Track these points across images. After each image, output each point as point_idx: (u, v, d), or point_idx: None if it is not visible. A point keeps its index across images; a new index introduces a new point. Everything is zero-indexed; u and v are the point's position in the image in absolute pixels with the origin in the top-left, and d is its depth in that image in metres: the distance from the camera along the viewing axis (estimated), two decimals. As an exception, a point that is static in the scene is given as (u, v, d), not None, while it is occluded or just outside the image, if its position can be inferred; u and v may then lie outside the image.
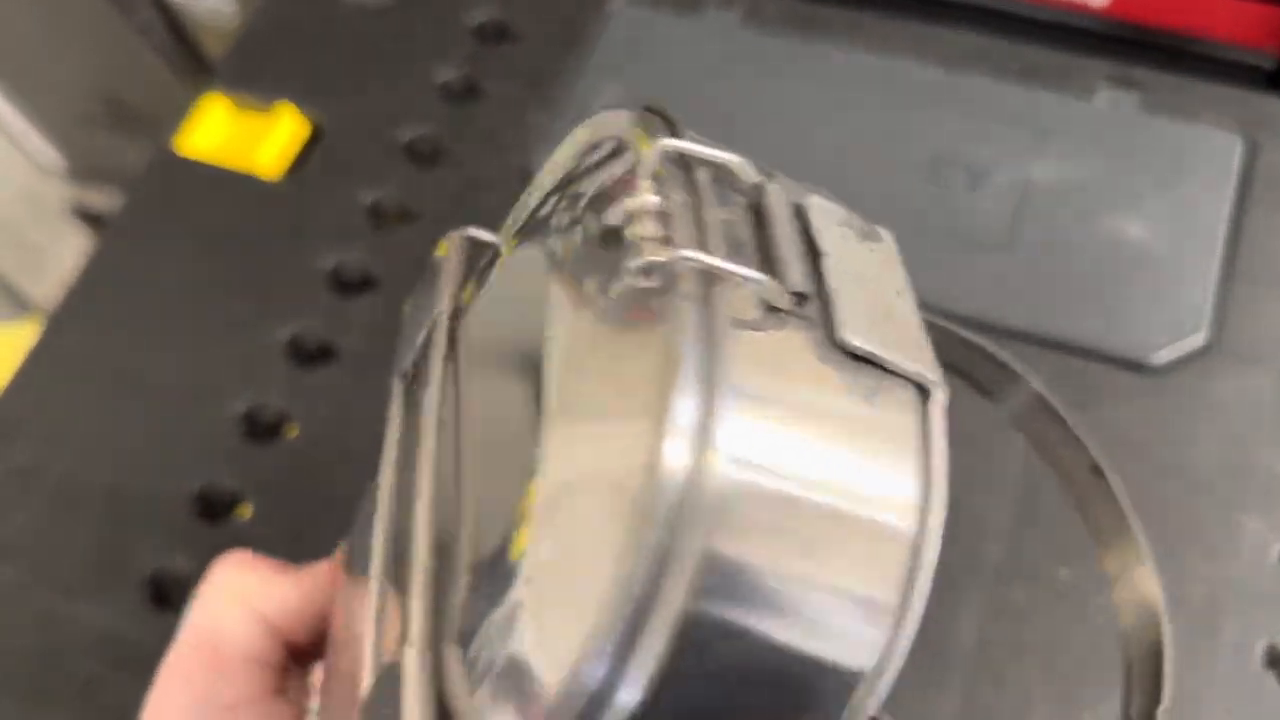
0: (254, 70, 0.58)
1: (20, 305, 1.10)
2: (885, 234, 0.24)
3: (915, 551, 0.19)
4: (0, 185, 1.10)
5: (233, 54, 0.59)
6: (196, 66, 0.93)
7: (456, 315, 0.27)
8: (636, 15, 0.55)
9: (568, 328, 0.22)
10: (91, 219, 1.14)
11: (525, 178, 0.31)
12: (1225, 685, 0.39)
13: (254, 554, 0.29)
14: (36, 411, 0.49)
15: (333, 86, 0.57)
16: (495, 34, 0.58)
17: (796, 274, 0.20)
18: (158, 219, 0.54)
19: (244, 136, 0.56)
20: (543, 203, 0.27)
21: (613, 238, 0.21)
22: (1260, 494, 0.42)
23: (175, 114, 0.57)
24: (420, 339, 0.27)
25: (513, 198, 0.32)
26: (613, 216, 0.21)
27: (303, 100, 0.56)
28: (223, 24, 0.89)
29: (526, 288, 0.25)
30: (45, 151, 1.11)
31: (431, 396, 0.25)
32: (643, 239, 0.19)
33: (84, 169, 1.14)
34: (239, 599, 0.28)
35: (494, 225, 0.54)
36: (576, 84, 0.54)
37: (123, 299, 0.52)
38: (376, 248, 0.52)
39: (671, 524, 0.17)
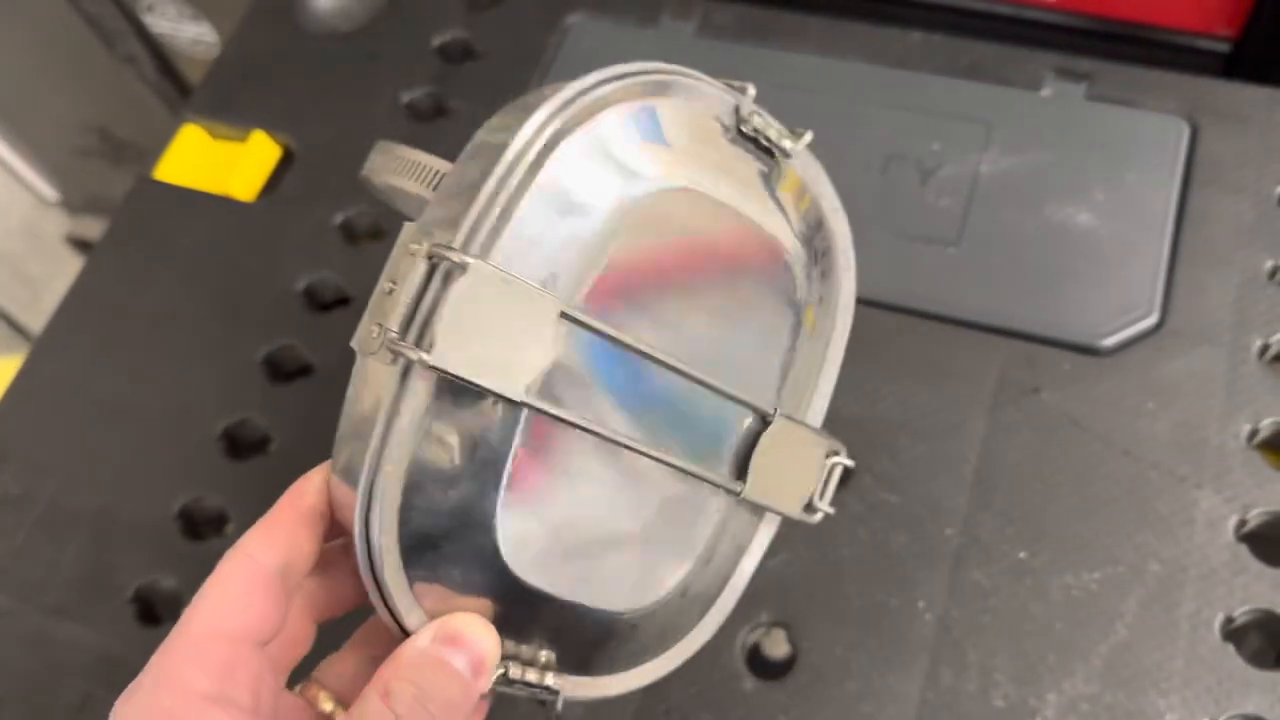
0: (226, 99, 0.59)
1: (20, 336, 1.12)
2: None
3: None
4: (1, 220, 1.12)
5: (205, 84, 0.60)
6: (182, 95, 0.95)
7: None
8: (594, 28, 0.57)
9: None
10: (86, 248, 1.16)
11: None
12: (1185, 659, 0.40)
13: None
14: (23, 438, 0.51)
15: (304, 110, 0.58)
16: (460, 54, 0.59)
17: None
18: (138, 244, 0.55)
19: (218, 162, 0.58)
20: None
21: None
22: (1213, 470, 0.43)
23: (162, 143, 0.58)
24: None
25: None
26: None
27: (275, 125, 0.58)
28: (204, 53, 0.91)
29: None
30: (41, 185, 1.13)
31: None
32: None
33: (78, 200, 1.15)
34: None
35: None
36: (538, 98, 0.55)
37: (105, 324, 0.53)
38: (349, 265, 0.53)
39: None
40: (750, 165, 0.31)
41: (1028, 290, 0.47)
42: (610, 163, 0.28)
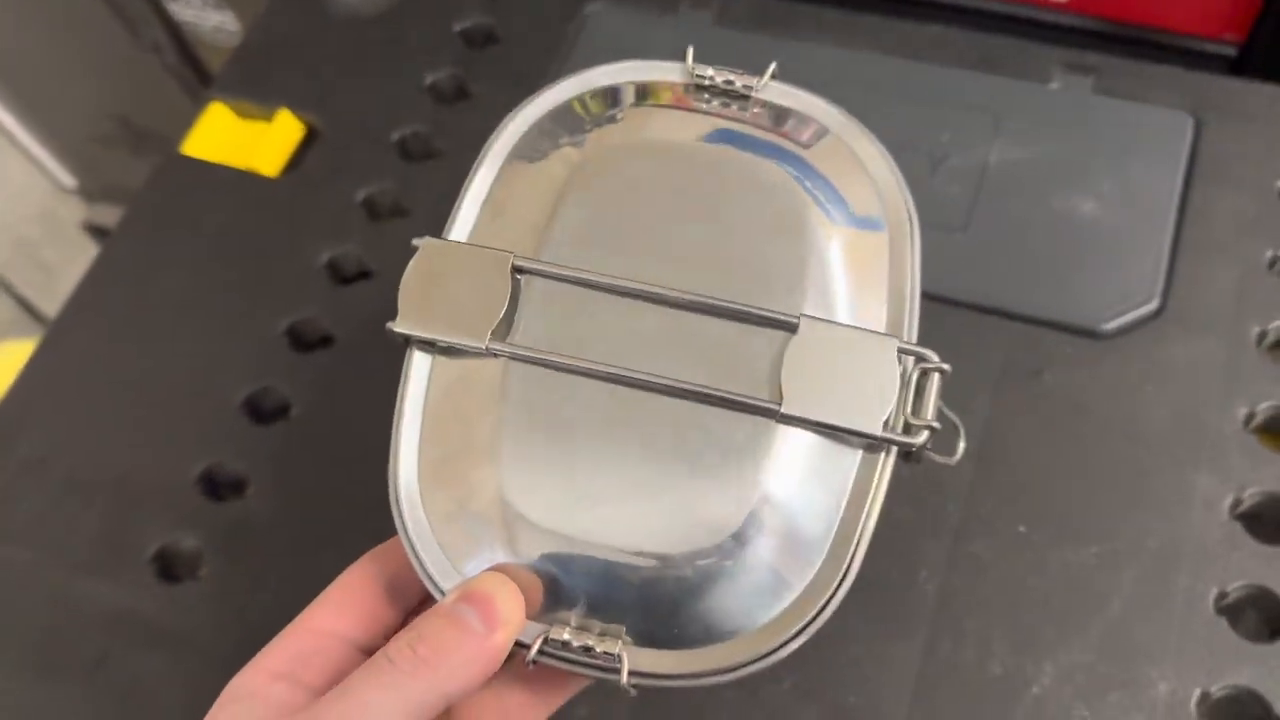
0: (252, 79, 0.61)
1: (35, 321, 1.14)
2: None
3: None
4: (19, 205, 1.13)
5: (231, 65, 0.62)
6: (203, 84, 0.96)
7: None
8: (613, 16, 0.58)
9: None
10: (103, 235, 1.17)
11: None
12: (1179, 632, 0.41)
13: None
14: (48, 403, 0.52)
15: (328, 91, 0.60)
16: (482, 38, 0.61)
17: None
18: (164, 216, 0.57)
19: (244, 138, 0.59)
20: None
21: None
22: (1210, 452, 0.44)
23: (183, 131, 0.60)
24: None
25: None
26: None
27: (300, 104, 0.59)
28: (226, 41, 0.92)
29: None
30: (59, 171, 1.15)
31: None
32: None
33: (95, 187, 1.17)
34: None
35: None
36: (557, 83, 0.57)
37: (130, 293, 0.55)
38: (371, 241, 0.54)
39: None
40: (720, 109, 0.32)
41: (1033, 276, 0.48)
42: (562, 127, 0.32)
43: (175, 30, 0.95)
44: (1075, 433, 0.45)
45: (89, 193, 1.18)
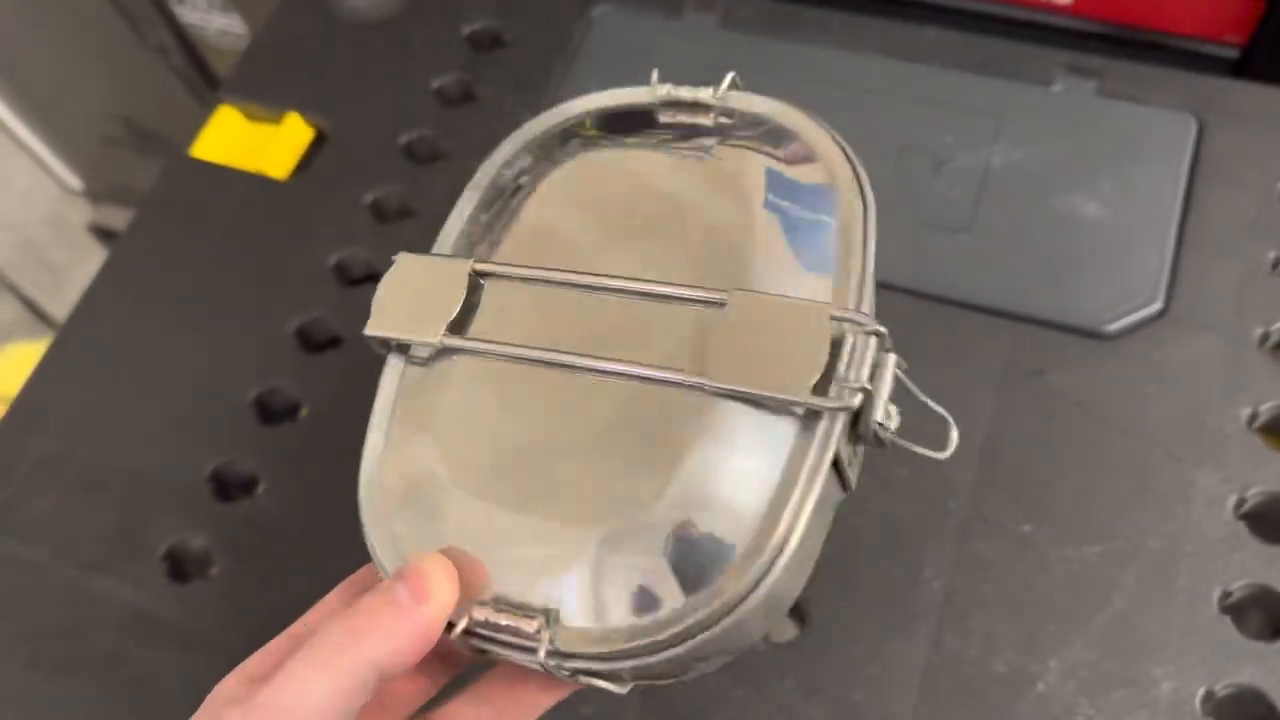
0: (261, 83, 0.61)
1: (42, 323, 1.14)
2: None
3: None
4: (26, 207, 1.14)
5: (240, 68, 0.62)
6: (209, 86, 0.97)
7: None
8: (619, 19, 0.58)
9: None
10: (109, 237, 1.17)
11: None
12: (1182, 630, 0.41)
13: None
14: (61, 401, 0.52)
15: (336, 94, 0.60)
16: (489, 41, 0.61)
17: None
18: (174, 217, 0.57)
19: (253, 141, 0.60)
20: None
21: None
22: (1212, 451, 0.44)
23: (189, 133, 0.60)
24: None
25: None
26: None
27: (308, 108, 0.60)
28: (233, 44, 0.93)
29: None
30: (66, 173, 1.15)
31: None
32: None
33: (101, 189, 1.17)
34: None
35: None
36: (563, 86, 0.57)
37: (141, 293, 0.55)
38: (379, 243, 0.55)
39: None
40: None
41: (1036, 277, 0.48)
42: (529, 154, 0.34)
43: (181, 33, 0.95)
44: (1079, 432, 0.45)
45: (95, 195, 1.19)
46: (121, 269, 0.56)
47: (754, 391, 0.27)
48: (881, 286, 0.49)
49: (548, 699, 0.30)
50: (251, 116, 0.61)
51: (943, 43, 0.56)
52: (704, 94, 0.33)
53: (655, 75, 0.34)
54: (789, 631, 0.43)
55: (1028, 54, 0.55)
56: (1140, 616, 0.42)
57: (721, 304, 0.28)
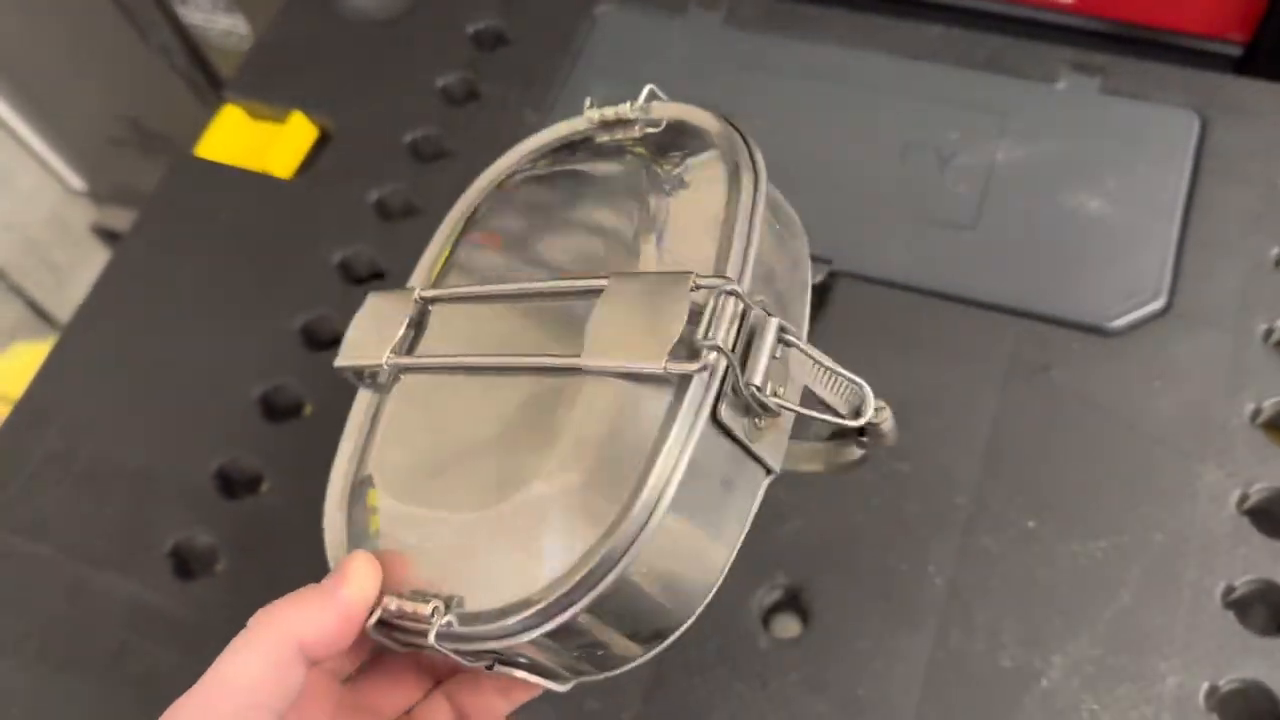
0: (265, 82, 0.62)
1: (45, 323, 1.14)
2: None
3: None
4: (29, 208, 1.14)
5: (245, 67, 0.62)
6: (213, 87, 0.97)
7: None
8: (623, 17, 0.59)
9: None
10: (112, 238, 1.18)
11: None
12: (1187, 624, 0.41)
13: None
14: (67, 398, 0.52)
15: (341, 93, 0.60)
16: (493, 40, 0.61)
17: None
18: (179, 217, 0.57)
19: (257, 141, 0.60)
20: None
21: None
22: (1216, 446, 0.44)
23: (193, 133, 0.61)
24: None
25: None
26: None
27: (312, 107, 0.60)
28: (236, 45, 0.93)
29: None
30: (69, 174, 1.15)
31: None
32: None
33: (105, 190, 1.18)
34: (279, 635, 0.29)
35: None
36: (567, 84, 0.57)
37: (146, 292, 0.55)
38: (383, 241, 0.55)
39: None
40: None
41: (1040, 273, 0.49)
42: (477, 188, 0.39)
43: (184, 34, 0.95)
44: (1083, 428, 0.45)
45: (98, 195, 1.19)
46: (125, 268, 0.56)
47: (617, 366, 0.28)
48: (886, 284, 0.50)
49: (505, 704, 0.32)
50: (256, 116, 0.61)
51: (947, 40, 0.56)
52: (625, 109, 0.35)
53: (588, 102, 0.37)
54: (792, 627, 0.43)
55: (1032, 51, 0.55)
56: (1145, 611, 0.42)
57: (600, 290, 0.30)
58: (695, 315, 0.27)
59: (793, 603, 0.44)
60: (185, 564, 0.48)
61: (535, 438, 0.29)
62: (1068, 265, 0.49)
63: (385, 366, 0.34)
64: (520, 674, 0.29)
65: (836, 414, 0.29)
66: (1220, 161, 0.50)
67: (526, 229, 0.36)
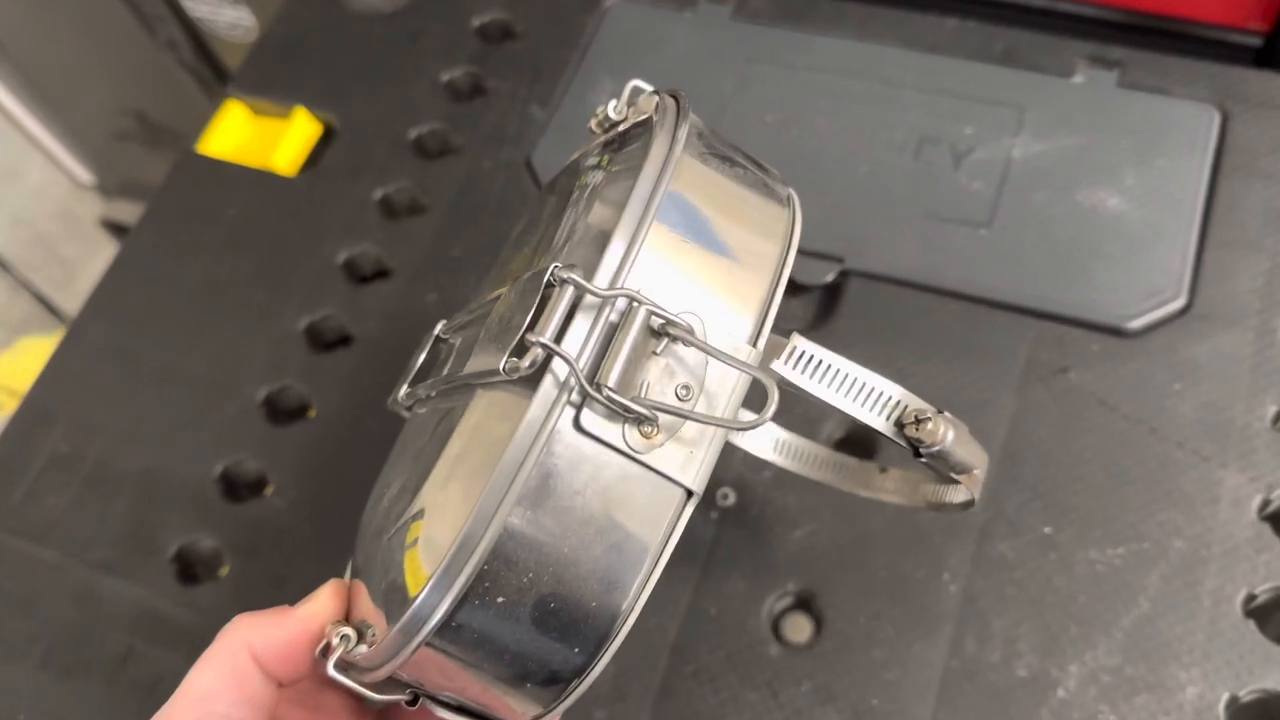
0: (269, 77, 0.61)
1: (53, 317, 1.14)
2: None
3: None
4: (38, 202, 1.14)
5: (248, 62, 0.62)
6: (219, 80, 0.96)
7: None
8: (631, 11, 0.57)
9: None
10: (120, 231, 1.17)
11: (529, 168, 0.35)
12: (1207, 633, 0.40)
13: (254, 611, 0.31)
14: (71, 400, 0.52)
15: (345, 88, 0.59)
16: (500, 34, 0.60)
17: None
18: (182, 215, 0.57)
19: (261, 137, 0.59)
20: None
21: None
22: (1237, 450, 0.43)
23: (199, 126, 0.60)
24: None
25: (516, 188, 0.36)
26: None
27: (317, 102, 0.59)
28: (242, 38, 0.92)
29: None
30: (77, 168, 1.15)
31: None
32: None
33: (113, 183, 1.17)
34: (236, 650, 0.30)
35: (500, 215, 0.56)
36: (574, 78, 0.56)
37: (150, 291, 0.55)
38: (388, 239, 0.54)
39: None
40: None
41: (1058, 272, 0.48)
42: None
43: (191, 27, 0.95)
44: (1101, 431, 0.44)
45: (106, 189, 1.18)
46: (129, 266, 0.56)
47: (478, 373, 0.27)
48: (898, 283, 0.49)
49: None
50: (259, 112, 0.60)
51: (962, 33, 0.55)
52: (610, 109, 0.33)
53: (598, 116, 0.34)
54: (805, 634, 0.42)
55: (1048, 44, 0.54)
56: (1164, 620, 0.41)
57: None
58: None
59: (805, 610, 0.43)
60: (190, 569, 0.48)
61: (432, 457, 0.28)
62: (1085, 264, 0.48)
63: (399, 400, 0.35)
64: (443, 713, 0.28)
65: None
66: (1242, 157, 0.49)
67: (512, 248, 0.36)
